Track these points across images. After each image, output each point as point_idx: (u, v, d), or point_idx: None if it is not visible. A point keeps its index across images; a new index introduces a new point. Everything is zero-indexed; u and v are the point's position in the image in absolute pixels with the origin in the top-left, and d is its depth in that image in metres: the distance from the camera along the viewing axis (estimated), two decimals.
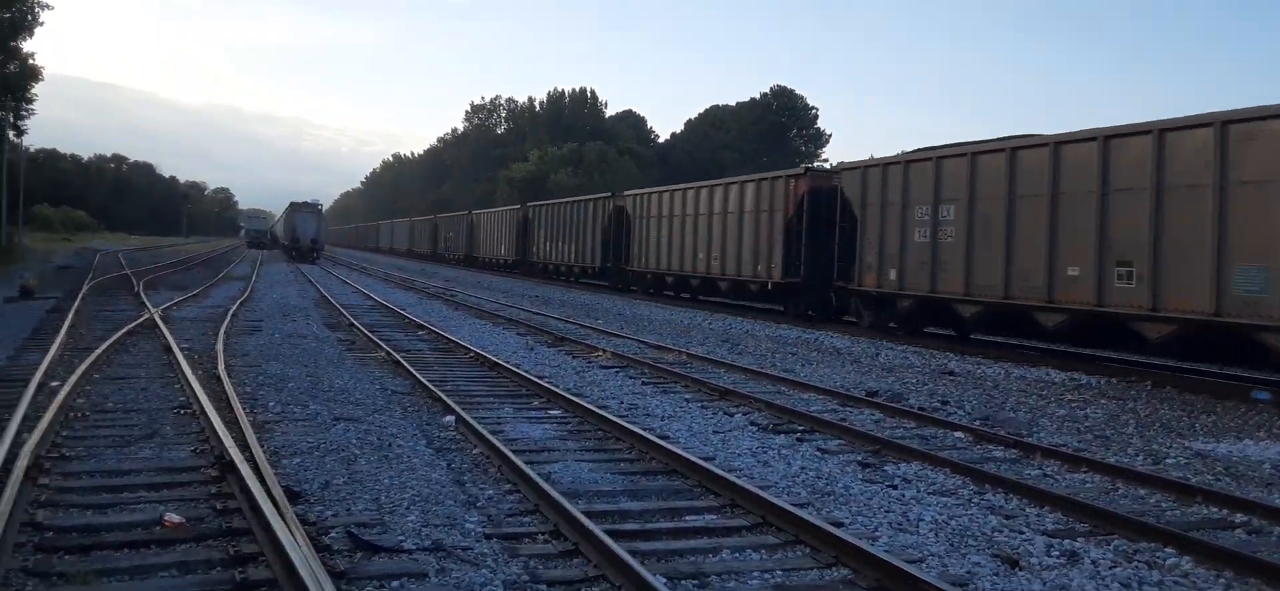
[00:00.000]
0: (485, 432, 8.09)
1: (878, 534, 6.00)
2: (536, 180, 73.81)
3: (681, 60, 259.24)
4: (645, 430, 8.64)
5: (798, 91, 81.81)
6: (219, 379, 10.82)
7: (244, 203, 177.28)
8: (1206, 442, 9.25)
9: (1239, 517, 6.56)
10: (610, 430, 8.80)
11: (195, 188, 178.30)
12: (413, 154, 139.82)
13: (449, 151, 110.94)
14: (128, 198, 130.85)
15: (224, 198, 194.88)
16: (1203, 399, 11.89)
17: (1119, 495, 7.15)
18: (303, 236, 56.99)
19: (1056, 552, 5.67)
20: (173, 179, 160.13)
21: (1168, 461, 8.38)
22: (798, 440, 8.76)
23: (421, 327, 18.24)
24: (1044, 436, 9.25)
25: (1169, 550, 5.74)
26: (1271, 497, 7.11)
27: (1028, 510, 6.60)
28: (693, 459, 7.39)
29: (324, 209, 65.18)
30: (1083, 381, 13.26)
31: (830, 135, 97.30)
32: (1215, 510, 6.75)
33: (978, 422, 9.79)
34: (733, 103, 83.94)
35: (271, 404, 9.78)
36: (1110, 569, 5.41)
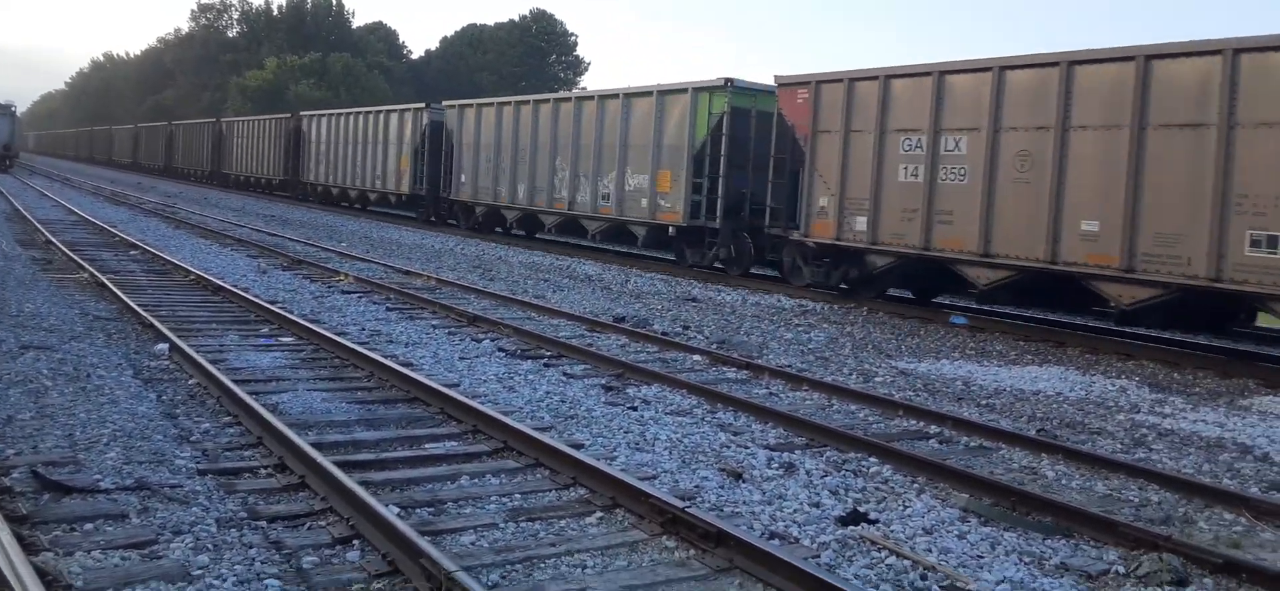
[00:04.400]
0: (203, 362, 7.46)
1: (616, 454, 6.13)
2: (273, 91, 68.68)
3: None
4: (386, 357, 8.33)
5: (557, 16, 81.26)
6: None
7: None
8: (910, 362, 10.23)
9: (933, 428, 7.30)
10: (348, 357, 8.40)
11: None
12: (128, 55, 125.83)
13: (171, 53, 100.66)
14: None
15: None
16: (909, 323, 13.12)
17: (833, 411, 7.75)
18: None
19: (776, 465, 6.05)
20: None
21: (876, 379, 9.19)
22: (545, 365, 8.78)
23: (134, 246, 16.54)
24: (772, 358, 9.85)
25: (872, 459, 6.28)
26: (960, 410, 7.97)
27: (753, 427, 7.00)
28: (435, 385, 7.21)
29: (19, 112, 57.34)
30: (809, 307, 14.25)
31: (589, 63, 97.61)
32: (913, 422, 7.48)
33: (715, 346, 10.26)
34: (491, 23, 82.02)
35: None
36: (822, 478, 5.85)
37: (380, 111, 30.68)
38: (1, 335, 8.48)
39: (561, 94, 23.35)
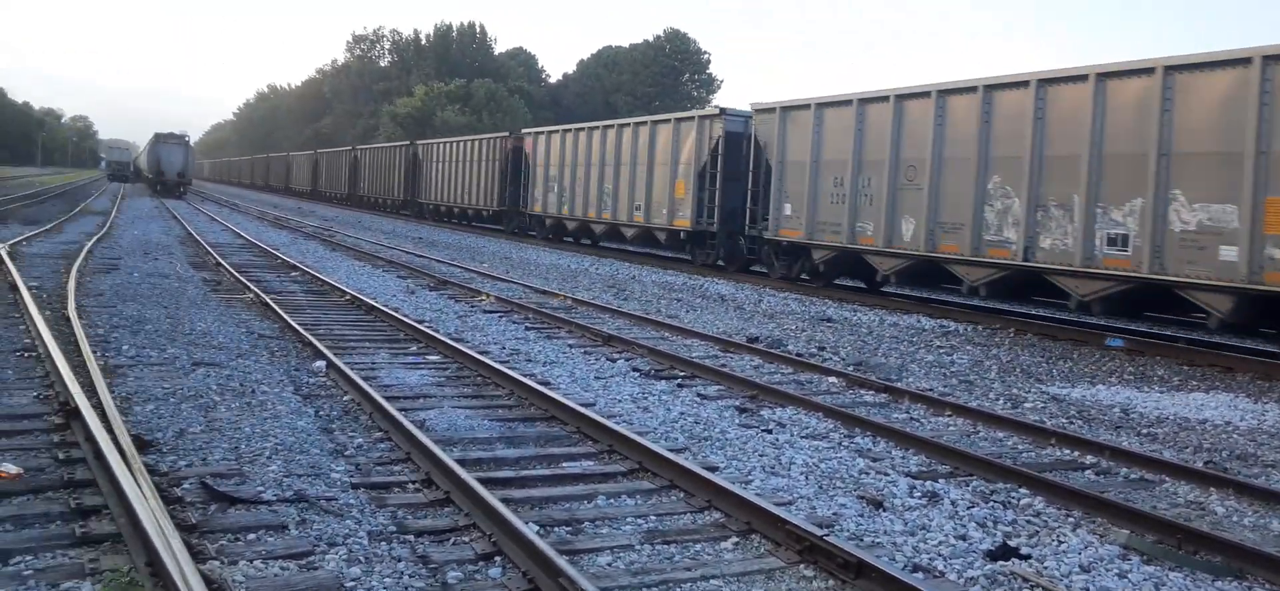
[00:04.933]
0: (357, 379, 7.82)
1: (751, 477, 6.07)
2: (422, 117, 71.78)
3: None
4: (526, 375, 8.53)
5: (691, 35, 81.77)
6: (68, 320, 10.15)
7: (106, 133, 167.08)
8: (1062, 387, 9.73)
9: (1089, 459, 6.91)
10: (490, 376, 8.65)
11: (51, 115, 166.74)
12: (289, 86, 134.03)
13: (329, 83, 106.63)
14: None
15: (83, 126, 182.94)
16: (1061, 346, 12.51)
17: (979, 437, 7.45)
18: (168, 169, 54.04)
19: (918, 493, 5.85)
20: (25, 105, 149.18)
21: (1026, 405, 8.78)
22: (678, 386, 8.80)
23: (294, 268, 17.55)
24: (912, 381, 9.56)
25: (1023, 490, 6.00)
26: (1119, 439, 7.52)
27: (893, 453, 6.80)
28: (572, 404, 7.33)
29: (192, 141, 61.89)
30: (951, 328, 13.78)
31: (722, 81, 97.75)
32: (1067, 451, 7.10)
33: (851, 368, 10.04)
34: (626, 45, 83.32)
35: (125, 347, 9.23)
36: (968, 509, 5.62)
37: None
38: (176, 352, 9.14)
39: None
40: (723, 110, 21.19)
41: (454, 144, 38.10)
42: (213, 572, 4.17)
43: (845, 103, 16.86)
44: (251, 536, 4.68)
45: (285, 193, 69.45)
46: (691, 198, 21.47)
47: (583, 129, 27.09)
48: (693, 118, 22.17)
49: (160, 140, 55.55)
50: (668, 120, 22.93)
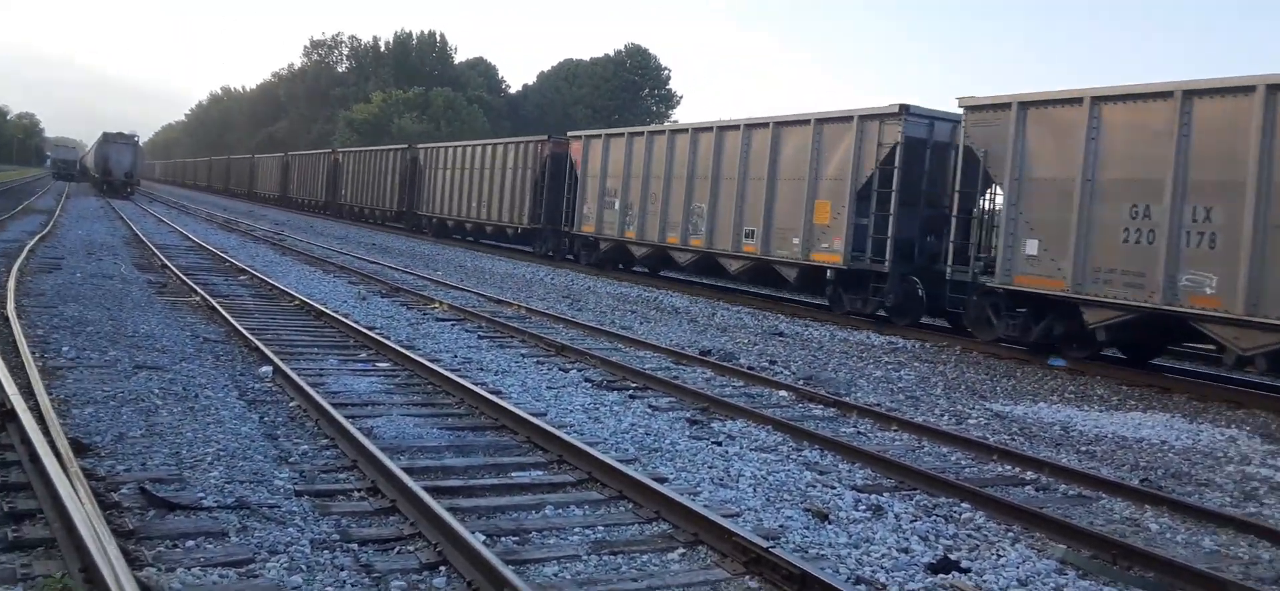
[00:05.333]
0: (304, 385, 7.73)
1: (700, 489, 6.10)
2: (379, 124, 71.16)
3: (536, 10, 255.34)
4: (476, 384, 8.49)
5: (651, 51, 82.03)
6: (7, 319, 9.90)
7: (52, 131, 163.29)
8: (1005, 404, 9.92)
9: (1029, 475, 7.05)
10: (441, 384, 8.60)
11: None
12: (244, 88, 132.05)
13: (284, 87, 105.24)
14: None
15: (29, 123, 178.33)
16: (1005, 364, 12.75)
17: (924, 452, 7.57)
18: (116, 169, 52.94)
19: (863, 506, 5.93)
20: None
21: (970, 421, 8.94)
22: (630, 397, 8.82)
23: (244, 272, 17.28)
24: (860, 396, 9.68)
25: (965, 504, 6.10)
26: (1059, 456, 7.69)
27: (840, 466, 6.88)
28: (523, 414, 7.31)
29: (142, 141, 60.69)
30: (899, 345, 13.97)
31: (681, 96, 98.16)
32: (1009, 467, 7.24)
33: (801, 382, 10.14)
34: (587, 58, 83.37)
35: (65, 348, 9.02)
36: (911, 522, 5.71)
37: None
38: (117, 354, 8.95)
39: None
40: (904, 108, 15.46)
41: (469, 149, 32.38)
42: (149, 579, 4.09)
43: (1151, 96, 11.61)
44: (190, 543, 4.60)
45: (249, 198, 67.62)
46: (845, 224, 16.02)
47: (661, 131, 22.28)
48: (850, 118, 16.22)
49: (108, 140, 54.41)
50: (805, 121, 17.22)
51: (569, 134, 26.60)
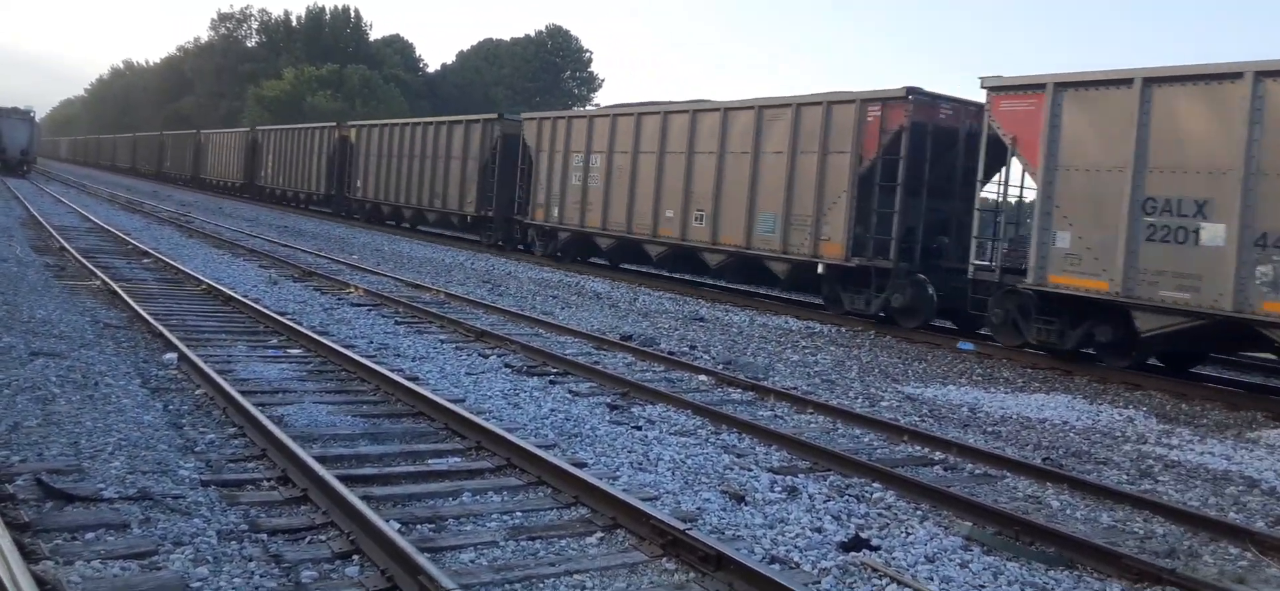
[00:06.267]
0: (210, 371, 7.49)
1: (619, 473, 6.12)
2: (290, 101, 69.23)
3: None
4: (393, 371, 8.35)
5: (573, 33, 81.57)
6: None
7: None
8: (916, 387, 10.19)
9: (938, 455, 7.27)
10: (355, 370, 8.43)
11: None
12: (148, 62, 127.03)
13: (190, 62, 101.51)
14: None
15: None
16: (917, 348, 13.08)
17: (838, 434, 7.73)
18: (10, 146, 50.39)
19: (779, 488, 6.03)
20: None
21: (882, 404, 9.16)
22: (550, 382, 8.79)
23: (147, 255, 16.66)
24: (778, 380, 9.83)
25: (876, 484, 6.26)
26: (966, 437, 7.93)
27: (758, 448, 6.98)
28: (440, 400, 7.22)
29: (38, 117, 57.87)
30: (816, 329, 14.22)
31: (603, 79, 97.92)
32: (918, 448, 7.44)
33: (721, 367, 10.24)
34: (507, 38, 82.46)
35: None
36: (825, 502, 5.82)
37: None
38: (11, 341, 8.54)
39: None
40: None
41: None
42: (46, 573, 3.93)
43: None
44: (90, 535, 4.43)
45: (158, 178, 64.77)
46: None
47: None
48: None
49: (2, 114, 51.74)
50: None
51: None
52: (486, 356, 9.86)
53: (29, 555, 4.05)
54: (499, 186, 24.41)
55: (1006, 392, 10.27)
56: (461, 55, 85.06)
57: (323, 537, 4.69)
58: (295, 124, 44.07)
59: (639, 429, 7.28)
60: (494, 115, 25.71)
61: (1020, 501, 6.26)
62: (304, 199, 38.45)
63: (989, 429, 8.43)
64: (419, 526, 4.95)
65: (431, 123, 28.55)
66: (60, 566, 4.06)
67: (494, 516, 5.18)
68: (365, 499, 4.96)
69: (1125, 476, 7.14)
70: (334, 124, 37.46)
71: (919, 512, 5.80)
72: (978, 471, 6.92)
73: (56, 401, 6.66)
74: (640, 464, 6.37)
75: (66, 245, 16.79)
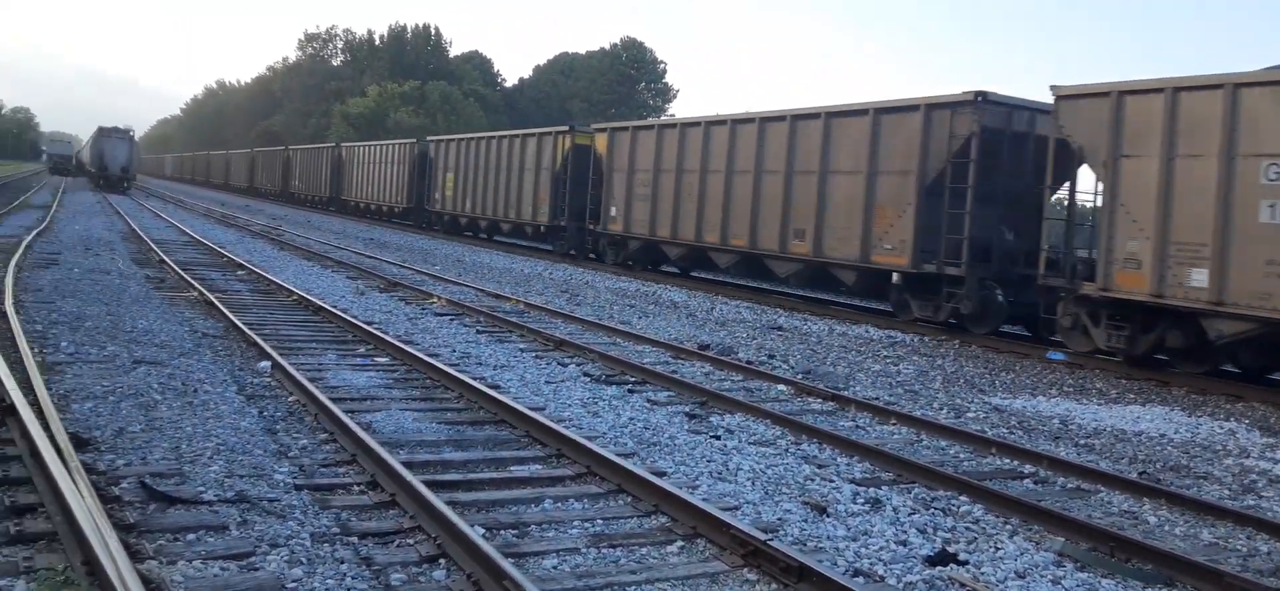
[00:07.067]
0: (303, 379, 7.73)
1: (698, 483, 6.12)
2: (375, 118, 71.11)
3: (531, 4, 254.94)
4: (475, 379, 8.50)
5: (647, 44, 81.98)
6: (5, 315, 9.88)
7: (47, 125, 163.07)
8: (1004, 398, 9.94)
9: (1028, 468, 7.07)
10: (439, 379, 8.60)
11: None
12: (239, 82, 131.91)
13: (279, 81, 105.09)
14: None
15: (24, 118, 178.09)
16: (1004, 358, 12.76)
17: (922, 446, 7.58)
18: (112, 164, 52.85)
19: (861, 500, 5.94)
20: None
21: (968, 415, 8.95)
22: (629, 391, 8.83)
23: (241, 267, 17.27)
24: (859, 390, 9.70)
25: (963, 497, 6.12)
26: (1057, 450, 7.70)
27: (839, 459, 6.89)
28: (521, 408, 7.32)
29: (138, 136, 60.54)
30: (898, 339, 13.99)
31: (678, 90, 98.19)
32: (1007, 461, 7.26)
33: (800, 376, 10.15)
34: (583, 51, 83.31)
35: (64, 344, 9.02)
36: (909, 515, 5.72)
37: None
38: (116, 350, 8.95)
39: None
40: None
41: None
42: (151, 572, 4.10)
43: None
44: (191, 537, 4.61)
45: (249, 193, 67.02)
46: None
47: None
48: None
49: (104, 134, 54.28)
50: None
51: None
52: (565, 365, 9.95)
53: (134, 555, 4.23)
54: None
55: (1099, 404, 9.95)
56: (538, 69, 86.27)
57: (410, 541, 4.79)
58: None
59: (718, 438, 7.26)
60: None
61: (1115, 517, 6.06)
62: (386, 211, 39.65)
63: (1081, 441, 8.17)
64: (502, 532, 5.02)
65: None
66: (164, 566, 4.24)
67: (575, 523, 5.22)
68: (451, 504, 5.05)
69: (1227, 491, 6.85)
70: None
71: (1009, 527, 5.66)
72: (1070, 485, 6.72)
73: (158, 407, 6.95)
74: (719, 473, 6.35)
75: (165, 258, 17.51)
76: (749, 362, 10.75)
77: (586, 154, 24.16)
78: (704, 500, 5.50)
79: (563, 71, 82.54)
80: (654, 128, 21.65)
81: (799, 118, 17.13)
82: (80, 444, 5.75)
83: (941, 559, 5.00)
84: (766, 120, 17.99)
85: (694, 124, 20.13)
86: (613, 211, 22.51)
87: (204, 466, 5.68)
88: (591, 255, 24.43)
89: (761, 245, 17.75)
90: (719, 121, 19.31)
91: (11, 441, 5.72)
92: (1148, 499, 6.41)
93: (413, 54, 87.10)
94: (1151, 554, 5.21)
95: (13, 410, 6.05)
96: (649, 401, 8.44)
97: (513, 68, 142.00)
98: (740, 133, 18.50)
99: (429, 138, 36.11)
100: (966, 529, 5.58)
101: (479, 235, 31.46)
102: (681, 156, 20.23)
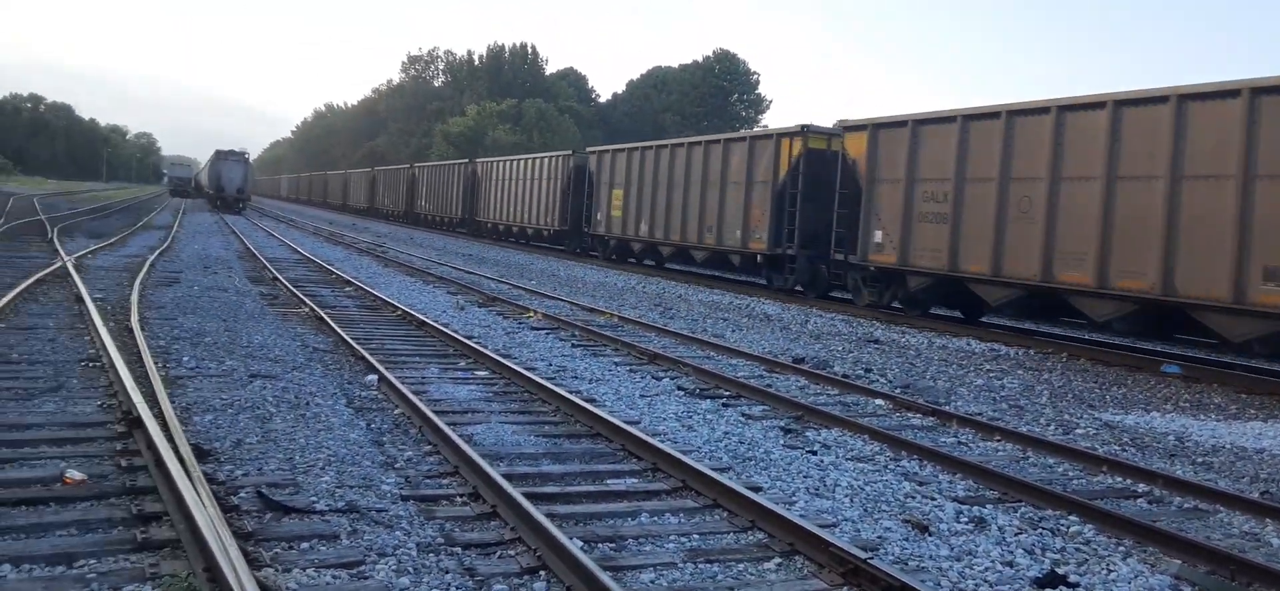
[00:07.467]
0: (407, 392, 7.97)
1: (795, 499, 6.07)
2: (474, 136, 72.83)
3: (624, 20, 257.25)
4: (571, 392, 8.61)
5: (740, 56, 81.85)
6: (131, 331, 10.47)
7: (168, 149, 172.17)
8: (1115, 414, 9.56)
9: (1141, 487, 6.79)
10: (537, 392, 8.75)
11: (116, 131, 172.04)
12: (346, 104, 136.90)
13: (384, 102, 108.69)
14: (45, 140, 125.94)
15: (146, 142, 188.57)
16: (1115, 371, 12.28)
17: (1029, 463, 7.36)
18: (228, 185, 55.43)
19: (965, 519, 5.81)
20: (92, 121, 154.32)
21: (1078, 431, 8.65)
22: (723, 405, 8.82)
23: (349, 283, 17.90)
24: (961, 405, 9.47)
25: (1073, 517, 5.91)
26: (1173, 468, 7.38)
27: (941, 477, 6.75)
28: (617, 422, 7.39)
29: (252, 158, 63.34)
30: (1001, 352, 13.60)
31: (771, 101, 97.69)
32: (1119, 479, 6.98)
33: (898, 390, 9.97)
34: (675, 65, 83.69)
35: (186, 358, 9.50)
36: (1016, 535, 5.56)
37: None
38: (233, 364, 9.39)
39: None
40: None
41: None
42: (268, 580, 4.29)
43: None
44: (305, 545, 4.80)
45: (343, 210, 70.02)
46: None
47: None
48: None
49: (221, 157, 56.98)
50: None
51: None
52: (659, 378, 10.00)
53: (253, 562, 4.43)
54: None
55: (1218, 420, 9.48)
56: (631, 84, 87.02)
57: (511, 552, 4.89)
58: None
59: (814, 453, 7.19)
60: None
61: (1236, 538, 5.77)
62: (447, 222, 45.56)
63: (1198, 459, 7.80)
64: (600, 545, 5.08)
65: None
66: (279, 573, 4.43)
67: (672, 537, 5.25)
68: (550, 516, 5.14)
69: None
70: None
71: (1121, 549, 5.45)
72: (1187, 505, 6.42)
73: (273, 420, 7.26)
74: (816, 489, 6.29)
75: (278, 276, 18.28)
76: (845, 376, 10.61)
77: (826, 161, 19.55)
78: (801, 517, 5.46)
79: (655, 85, 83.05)
80: (954, 120, 15.83)
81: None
82: (201, 455, 6.05)
83: (1051, 581, 4.85)
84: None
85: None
86: (877, 237, 17.50)
87: (316, 477, 5.91)
88: (594, 253, 27.18)
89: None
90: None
91: (138, 452, 6.05)
92: (1271, 520, 6.08)
93: (510, 72, 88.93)
94: (1275, 578, 4.95)
95: (139, 423, 6.40)
96: (743, 415, 8.42)
97: (607, 83, 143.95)
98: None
99: (589, 149, 32.67)
100: (1077, 550, 5.40)
101: (510, 239, 35.54)
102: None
